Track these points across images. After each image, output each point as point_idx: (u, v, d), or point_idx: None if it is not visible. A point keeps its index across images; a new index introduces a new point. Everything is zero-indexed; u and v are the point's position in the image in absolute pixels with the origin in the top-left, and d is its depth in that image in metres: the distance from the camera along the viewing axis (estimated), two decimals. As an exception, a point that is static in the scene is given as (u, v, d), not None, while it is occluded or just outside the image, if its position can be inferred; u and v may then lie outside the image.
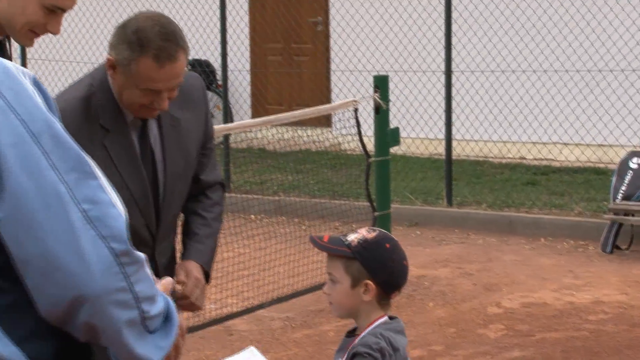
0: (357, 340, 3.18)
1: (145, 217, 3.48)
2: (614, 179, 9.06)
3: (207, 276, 3.64)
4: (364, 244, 3.19)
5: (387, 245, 3.25)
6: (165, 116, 3.51)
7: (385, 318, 3.22)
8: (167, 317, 2.28)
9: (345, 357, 3.18)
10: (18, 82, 2.13)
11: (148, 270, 2.23)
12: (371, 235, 3.23)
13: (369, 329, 3.19)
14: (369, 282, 3.16)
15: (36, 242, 2.07)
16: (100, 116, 3.42)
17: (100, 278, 2.10)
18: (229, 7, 12.08)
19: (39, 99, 2.14)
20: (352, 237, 3.20)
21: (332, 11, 13.43)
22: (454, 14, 10.77)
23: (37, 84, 2.18)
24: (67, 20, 11.45)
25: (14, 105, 2.08)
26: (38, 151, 2.08)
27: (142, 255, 2.19)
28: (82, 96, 3.45)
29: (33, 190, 2.07)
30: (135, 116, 3.45)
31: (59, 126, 2.13)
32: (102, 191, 2.17)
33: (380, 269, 3.19)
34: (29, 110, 2.09)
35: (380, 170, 7.90)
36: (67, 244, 2.08)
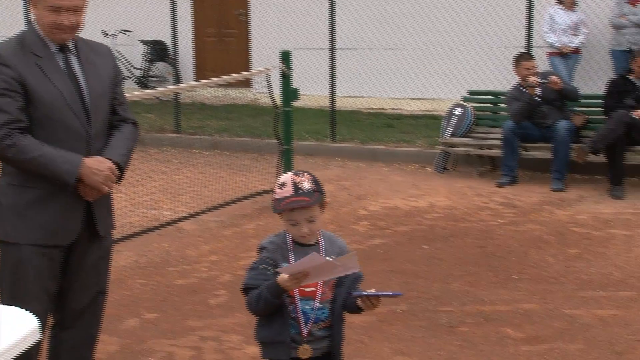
0: (329, 243, 2.92)
1: (78, 116, 3.25)
2: (443, 123, 9.10)
3: (118, 166, 3.34)
4: (315, 180, 2.90)
5: None
6: (84, 56, 3.32)
7: None
8: None
9: (333, 254, 2.86)
10: None
11: None
12: (307, 175, 2.91)
13: (324, 235, 2.95)
14: (326, 200, 2.92)
15: None
16: (32, 47, 3.26)
17: None
18: (178, 3, 11.79)
19: None
20: (306, 185, 2.85)
21: (251, 6, 13.27)
22: (337, 7, 10.71)
23: None
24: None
25: None
26: None
27: None
28: (17, 37, 3.32)
29: None
30: (53, 39, 3.26)
31: None
32: None
33: (322, 189, 2.94)
34: None
35: (285, 118, 7.82)
36: None
